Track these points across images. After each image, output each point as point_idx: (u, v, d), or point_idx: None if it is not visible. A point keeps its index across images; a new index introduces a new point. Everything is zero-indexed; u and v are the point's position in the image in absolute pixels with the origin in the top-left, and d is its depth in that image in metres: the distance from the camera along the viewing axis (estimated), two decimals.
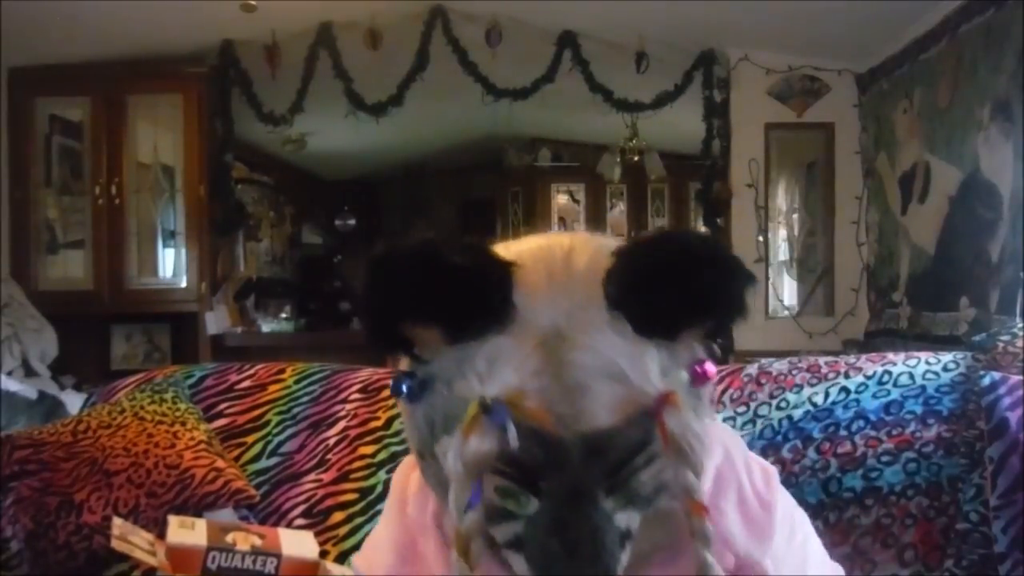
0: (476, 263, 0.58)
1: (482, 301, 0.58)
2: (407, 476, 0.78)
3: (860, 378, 1.27)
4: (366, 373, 1.45)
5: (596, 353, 0.57)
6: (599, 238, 0.66)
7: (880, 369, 1.28)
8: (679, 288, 0.57)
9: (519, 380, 0.57)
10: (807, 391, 1.27)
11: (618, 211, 6.56)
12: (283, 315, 5.15)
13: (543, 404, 0.57)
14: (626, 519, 0.60)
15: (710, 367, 0.62)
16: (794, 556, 0.74)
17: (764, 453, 1.21)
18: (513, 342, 0.58)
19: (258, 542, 1.13)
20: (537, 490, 0.58)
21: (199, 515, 1.30)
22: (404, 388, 0.62)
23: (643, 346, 0.58)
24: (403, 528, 0.75)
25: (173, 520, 1.15)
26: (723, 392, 1.30)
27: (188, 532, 1.12)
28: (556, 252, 0.63)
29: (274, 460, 1.37)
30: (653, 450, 0.59)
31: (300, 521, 1.29)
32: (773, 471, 0.76)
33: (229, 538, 1.12)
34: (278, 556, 1.13)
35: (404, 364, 0.64)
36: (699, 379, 0.62)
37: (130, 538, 1.09)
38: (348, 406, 1.39)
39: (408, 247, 0.58)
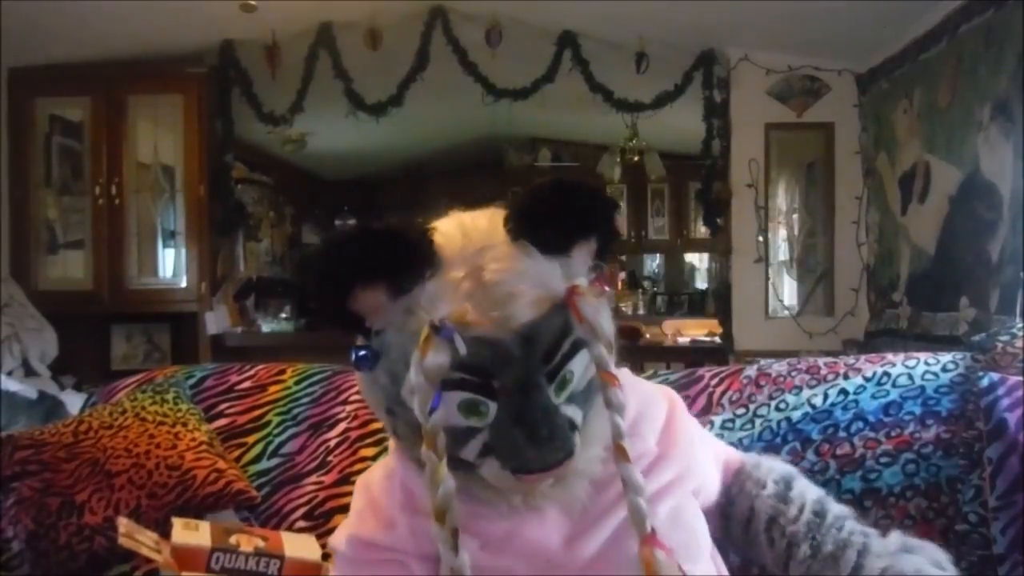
0: (401, 229, 0.72)
1: (411, 253, 0.72)
2: (367, 480, 0.89)
3: (859, 379, 1.27)
4: None
5: (510, 271, 0.73)
6: (496, 209, 0.80)
7: (879, 370, 1.28)
8: (561, 213, 0.75)
9: (457, 304, 0.71)
10: (806, 393, 1.27)
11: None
12: (283, 315, 5.15)
13: (479, 316, 0.71)
14: (571, 411, 0.75)
15: (601, 280, 0.77)
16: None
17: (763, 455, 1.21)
18: (444, 280, 0.73)
19: (261, 544, 1.14)
20: (492, 393, 0.72)
21: (200, 516, 1.30)
22: (359, 356, 0.75)
23: (545, 261, 0.74)
24: (374, 509, 0.85)
25: (177, 522, 1.15)
26: (722, 394, 1.30)
27: (192, 533, 1.13)
28: (464, 217, 0.80)
29: (275, 461, 1.37)
30: (575, 338, 0.74)
31: (301, 523, 1.29)
32: (675, 397, 0.93)
33: (232, 540, 1.12)
34: (281, 558, 1.13)
35: (359, 341, 0.76)
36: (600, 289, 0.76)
37: (136, 536, 1.10)
38: (348, 407, 1.40)
39: (345, 232, 0.74)
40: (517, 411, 0.72)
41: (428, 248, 0.73)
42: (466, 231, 0.77)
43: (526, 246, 0.74)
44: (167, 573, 1.07)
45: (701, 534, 0.86)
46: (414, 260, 0.72)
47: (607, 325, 0.74)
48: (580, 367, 0.75)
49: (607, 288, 0.77)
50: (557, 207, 0.75)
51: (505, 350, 0.71)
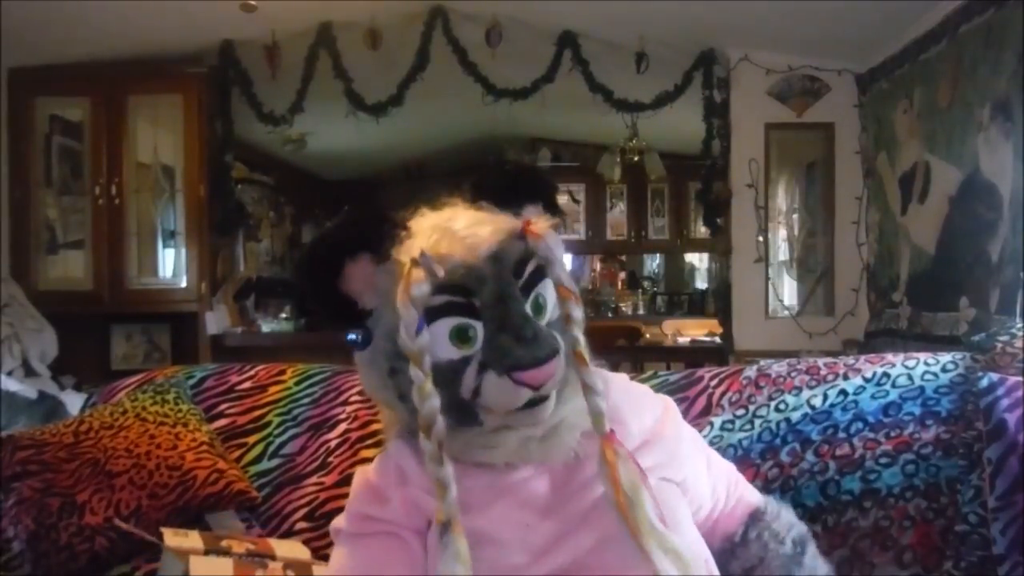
0: (374, 209, 0.86)
1: (386, 223, 0.84)
2: (364, 467, 0.95)
3: (859, 380, 1.27)
4: None
5: (471, 217, 0.85)
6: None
7: (879, 370, 1.28)
8: (508, 178, 0.91)
9: (431, 245, 0.81)
10: (806, 393, 1.27)
11: (618, 211, 6.57)
12: (283, 315, 5.14)
13: (450, 247, 0.81)
14: (552, 336, 0.82)
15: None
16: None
17: (763, 456, 1.21)
18: (418, 235, 0.83)
19: (251, 546, 1.14)
20: (476, 313, 0.80)
21: (201, 517, 1.30)
22: (351, 338, 0.85)
23: (501, 213, 0.85)
24: (369, 487, 0.91)
25: (167, 531, 1.15)
26: (722, 395, 1.30)
27: (182, 539, 1.13)
28: (436, 204, 0.90)
29: (275, 462, 1.37)
30: (539, 263, 0.83)
31: (302, 524, 1.29)
32: (671, 403, 0.99)
33: (223, 543, 1.13)
34: (272, 557, 1.13)
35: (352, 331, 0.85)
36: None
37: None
38: (348, 408, 1.40)
39: (330, 225, 0.87)
40: (500, 320, 0.80)
41: (400, 218, 0.85)
42: (432, 214, 0.88)
43: (483, 206, 0.86)
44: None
45: (683, 516, 0.90)
46: (390, 228, 0.83)
47: (560, 251, 0.85)
48: (551, 297, 0.85)
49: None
50: (507, 175, 0.91)
51: (478, 269, 0.81)
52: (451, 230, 0.83)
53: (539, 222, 0.84)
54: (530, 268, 0.83)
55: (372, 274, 0.83)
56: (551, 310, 0.85)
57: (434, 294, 0.79)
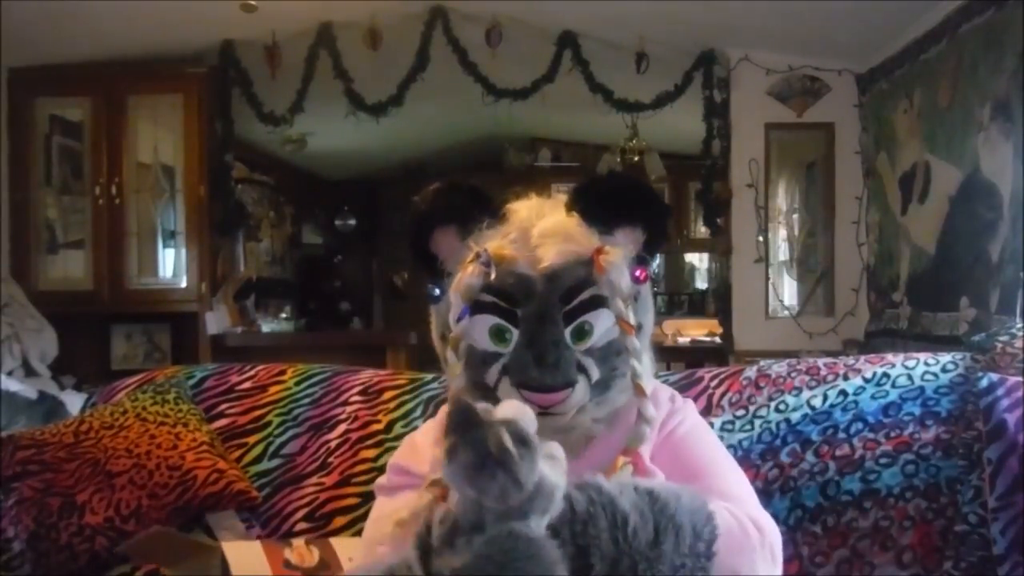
0: (475, 185, 0.90)
1: (478, 203, 0.88)
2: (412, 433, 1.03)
3: (859, 380, 1.27)
4: (367, 375, 1.45)
5: (551, 227, 0.86)
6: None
7: (878, 371, 1.28)
8: (612, 195, 0.89)
9: (500, 243, 0.85)
10: (806, 394, 1.27)
11: None
12: (283, 315, 5.16)
13: (514, 253, 0.84)
14: (586, 361, 0.85)
15: (642, 271, 0.87)
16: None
17: (762, 457, 1.21)
18: (499, 229, 0.87)
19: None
20: (516, 322, 0.84)
21: (201, 517, 1.30)
22: (430, 293, 0.89)
23: (587, 231, 0.86)
24: (411, 445, 0.98)
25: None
26: (722, 395, 1.30)
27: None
28: (537, 198, 0.93)
29: (276, 462, 1.37)
30: (596, 292, 0.84)
31: (302, 524, 1.29)
32: (690, 403, 0.99)
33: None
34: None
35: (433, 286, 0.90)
36: (635, 279, 0.87)
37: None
38: (349, 408, 1.39)
39: (436, 186, 0.91)
40: (531, 336, 0.84)
41: (492, 201, 0.89)
42: (533, 204, 0.91)
43: (575, 217, 0.87)
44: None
45: (723, 455, 0.94)
46: (481, 209, 0.88)
47: (626, 285, 0.84)
48: (601, 326, 0.85)
49: (643, 276, 0.87)
50: (609, 190, 0.90)
51: (530, 283, 0.84)
52: (527, 234, 0.86)
53: (611, 253, 0.84)
54: (583, 296, 0.84)
55: (456, 244, 0.87)
56: (598, 337, 0.85)
57: (483, 291, 0.83)
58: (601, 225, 0.86)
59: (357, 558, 0.98)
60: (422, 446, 0.95)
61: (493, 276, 0.83)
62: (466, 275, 0.83)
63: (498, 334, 0.84)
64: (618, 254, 0.84)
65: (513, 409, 0.66)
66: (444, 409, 0.94)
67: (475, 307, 0.83)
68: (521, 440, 0.62)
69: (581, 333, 0.84)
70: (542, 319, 0.83)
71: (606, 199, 0.88)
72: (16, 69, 3.88)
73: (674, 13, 3.68)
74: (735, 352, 4.11)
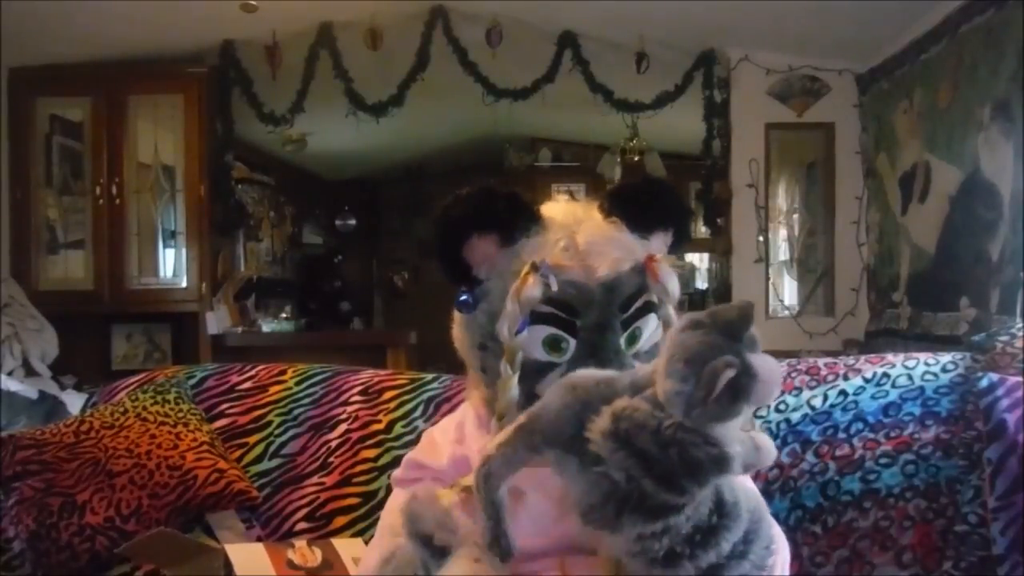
0: (514, 192, 0.88)
1: (521, 211, 0.87)
2: (430, 429, 1.03)
3: (859, 380, 1.27)
4: (367, 375, 1.45)
5: (600, 235, 0.86)
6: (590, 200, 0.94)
7: (878, 371, 1.28)
8: (649, 200, 0.91)
9: (556, 253, 0.84)
10: (806, 394, 1.27)
11: None
12: (283, 315, 5.15)
13: (572, 263, 0.84)
14: (635, 365, 0.83)
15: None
16: None
17: None
18: (545, 237, 0.86)
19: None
20: (574, 332, 0.84)
21: (201, 517, 1.30)
22: (461, 300, 0.88)
23: (629, 235, 0.87)
24: (429, 441, 0.99)
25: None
26: None
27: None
28: (564, 202, 0.95)
29: (276, 462, 1.37)
30: (648, 298, 0.86)
31: (303, 524, 1.30)
32: None
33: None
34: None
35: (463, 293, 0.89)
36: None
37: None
38: (349, 408, 1.40)
39: (468, 189, 0.87)
40: (592, 347, 0.84)
41: (535, 209, 0.88)
42: (566, 209, 0.91)
43: (615, 222, 0.88)
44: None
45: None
46: (523, 217, 0.87)
47: (676, 291, 0.87)
48: (648, 329, 0.87)
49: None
50: (646, 194, 0.91)
51: (590, 293, 0.84)
52: (576, 241, 0.85)
53: (663, 262, 0.86)
54: (638, 304, 0.86)
55: (494, 253, 0.86)
56: (645, 342, 0.87)
57: (542, 302, 0.83)
58: (642, 230, 0.88)
59: (374, 543, 0.98)
60: (440, 444, 0.96)
61: (555, 288, 0.82)
62: (526, 288, 0.82)
63: (553, 344, 0.84)
64: (667, 261, 0.87)
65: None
66: (463, 407, 0.98)
67: (531, 317, 0.83)
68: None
69: (632, 339, 0.86)
70: (603, 329, 0.84)
71: (645, 204, 0.90)
72: (16, 69, 3.87)
73: (674, 13, 3.68)
74: None
